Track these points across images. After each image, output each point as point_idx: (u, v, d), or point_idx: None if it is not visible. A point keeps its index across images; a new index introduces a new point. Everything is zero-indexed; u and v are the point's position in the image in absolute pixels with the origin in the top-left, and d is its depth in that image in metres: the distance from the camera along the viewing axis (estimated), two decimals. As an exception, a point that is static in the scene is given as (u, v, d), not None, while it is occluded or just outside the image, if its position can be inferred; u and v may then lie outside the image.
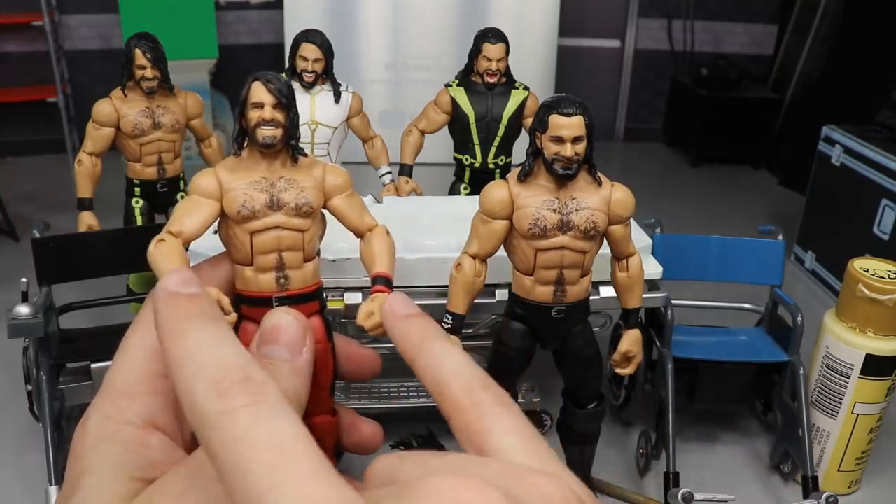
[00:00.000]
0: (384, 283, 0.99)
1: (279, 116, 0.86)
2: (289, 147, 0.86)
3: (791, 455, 2.10)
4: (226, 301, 0.72)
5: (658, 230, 2.23)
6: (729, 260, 2.26)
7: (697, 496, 1.86)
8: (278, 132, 0.85)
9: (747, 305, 2.42)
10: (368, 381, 2.27)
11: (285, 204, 0.85)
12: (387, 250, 1.02)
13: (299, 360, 0.49)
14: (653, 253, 2.11)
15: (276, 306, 0.76)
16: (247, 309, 0.76)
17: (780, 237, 2.25)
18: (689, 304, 2.35)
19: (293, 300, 0.78)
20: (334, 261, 1.83)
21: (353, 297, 1.86)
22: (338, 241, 1.71)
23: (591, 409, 1.82)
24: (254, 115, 0.86)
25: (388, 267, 1.01)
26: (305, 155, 0.89)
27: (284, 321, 0.51)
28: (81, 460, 0.42)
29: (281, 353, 0.49)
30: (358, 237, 1.04)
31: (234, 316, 0.73)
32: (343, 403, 2.16)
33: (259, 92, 0.87)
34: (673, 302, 2.04)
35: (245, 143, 0.87)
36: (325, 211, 0.97)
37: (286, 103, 0.87)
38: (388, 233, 1.03)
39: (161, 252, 0.83)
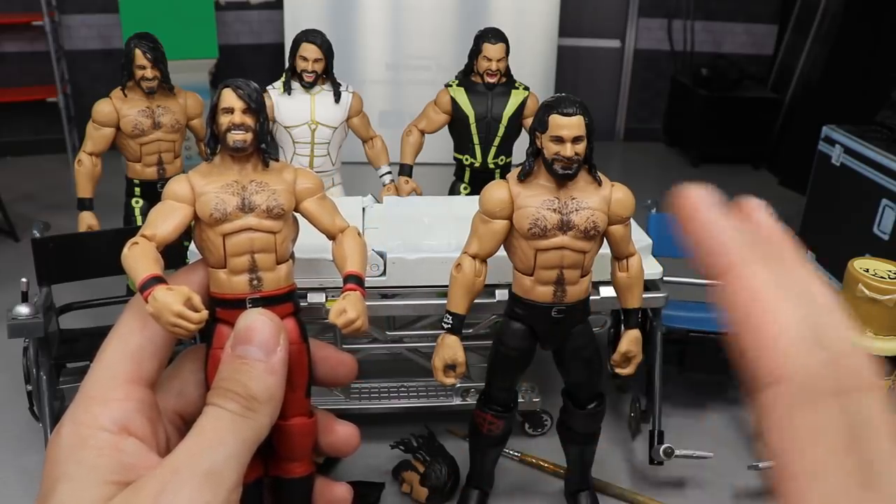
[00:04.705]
0: (356, 281, 1.03)
1: (248, 121, 0.89)
2: (259, 151, 0.88)
3: None
4: (197, 299, 0.73)
5: (654, 210, 2.37)
6: None
7: (678, 452, 2.03)
8: (248, 136, 0.88)
9: None
10: (369, 382, 2.27)
11: (257, 206, 0.87)
12: (358, 250, 1.06)
13: (273, 359, 0.49)
14: (647, 231, 2.19)
15: (250, 307, 0.77)
16: (222, 311, 0.77)
17: None
18: (682, 281, 2.46)
19: (266, 301, 0.79)
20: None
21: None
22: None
23: (591, 409, 1.82)
24: (224, 119, 0.89)
25: (360, 266, 1.06)
26: (276, 159, 0.91)
27: (258, 321, 0.51)
28: (56, 467, 0.43)
29: (255, 352, 0.49)
30: (330, 239, 1.08)
31: (205, 313, 0.74)
32: (343, 403, 2.16)
33: (229, 97, 0.91)
34: (666, 278, 2.10)
35: (217, 149, 0.89)
36: (298, 215, 0.98)
37: (255, 108, 0.90)
38: (359, 234, 1.08)
39: (134, 254, 0.87)
